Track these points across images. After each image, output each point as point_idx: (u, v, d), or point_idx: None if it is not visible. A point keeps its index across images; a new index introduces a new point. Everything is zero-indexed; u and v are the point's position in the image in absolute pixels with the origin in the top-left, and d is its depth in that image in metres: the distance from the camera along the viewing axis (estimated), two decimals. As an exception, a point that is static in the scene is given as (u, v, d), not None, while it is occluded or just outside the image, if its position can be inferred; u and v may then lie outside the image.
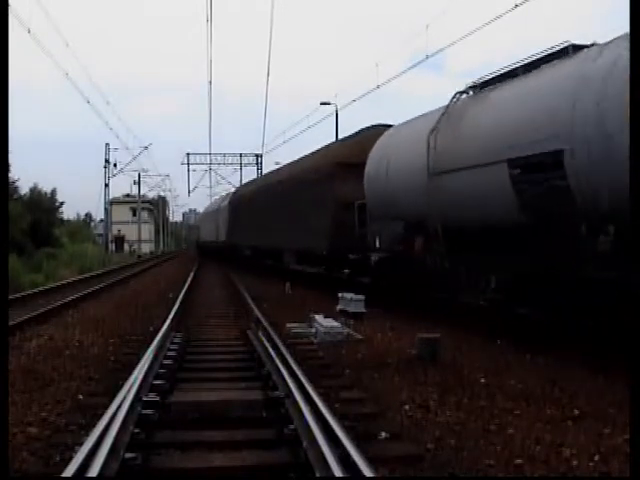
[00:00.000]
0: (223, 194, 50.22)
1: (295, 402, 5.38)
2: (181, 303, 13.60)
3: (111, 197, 56.67)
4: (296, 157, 25.30)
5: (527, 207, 8.54)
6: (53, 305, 14.24)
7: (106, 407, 5.15)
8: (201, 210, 72.79)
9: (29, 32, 19.75)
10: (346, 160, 16.20)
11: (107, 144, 51.20)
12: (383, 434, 5.09)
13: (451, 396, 6.34)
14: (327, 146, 19.96)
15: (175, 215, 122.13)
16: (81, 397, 6.35)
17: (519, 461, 4.55)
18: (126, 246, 71.68)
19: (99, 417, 4.93)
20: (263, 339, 8.71)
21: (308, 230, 18.40)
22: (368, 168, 14.15)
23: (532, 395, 6.35)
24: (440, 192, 10.47)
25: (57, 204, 46.49)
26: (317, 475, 3.97)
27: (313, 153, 21.49)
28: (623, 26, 7.03)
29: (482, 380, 7.01)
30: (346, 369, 7.72)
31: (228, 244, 35.52)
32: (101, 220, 66.60)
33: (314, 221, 17.87)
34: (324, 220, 17.05)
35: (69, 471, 3.78)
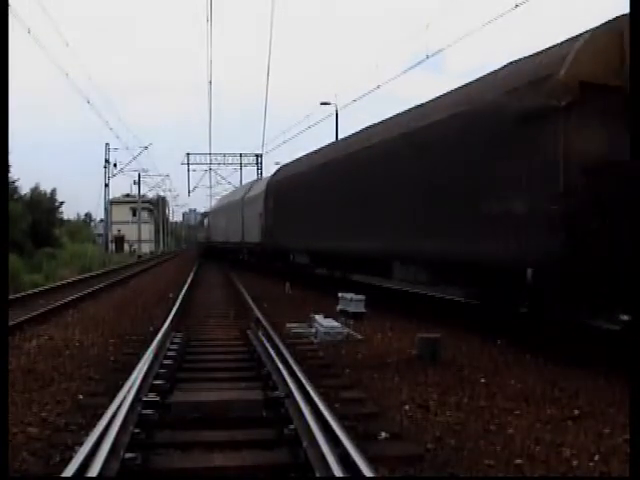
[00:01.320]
0: (238, 184, 45.36)
1: (295, 402, 5.38)
2: (181, 303, 13.61)
3: (111, 197, 56.76)
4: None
5: None
6: (53, 305, 14.23)
7: (106, 407, 5.16)
8: (201, 210, 72.44)
9: (29, 32, 19.82)
10: (597, 79, 7.68)
11: (107, 144, 51.35)
12: (383, 434, 5.08)
13: (451, 396, 6.35)
14: (540, 54, 8.97)
15: (175, 215, 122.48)
16: (81, 397, 6.35)
17: (519, 461, 4.55)
18: (126, 246, 71.71)
19: (99, 417, 4.94)
20: (263, 339, 8.71)
21: (487, 223, 9.08)
22: None
23: (532, 395, 6.35)
24: None
25: (57, 204, 46.54)
26: (317, 475, 3.97)
27: (496, 72, 10.10)
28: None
29: (482, 380, 7.01)
30: (346, 369, 7.71)
31: (266, 247, 24.55)
32: (101, 220, 66.70)
33: (508, 204, 8.67)
34: (541, 202, 8.07)
35: (69, 471, 3.79)
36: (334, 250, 16.30)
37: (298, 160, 22.42)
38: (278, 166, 33.17)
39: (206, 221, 51.44)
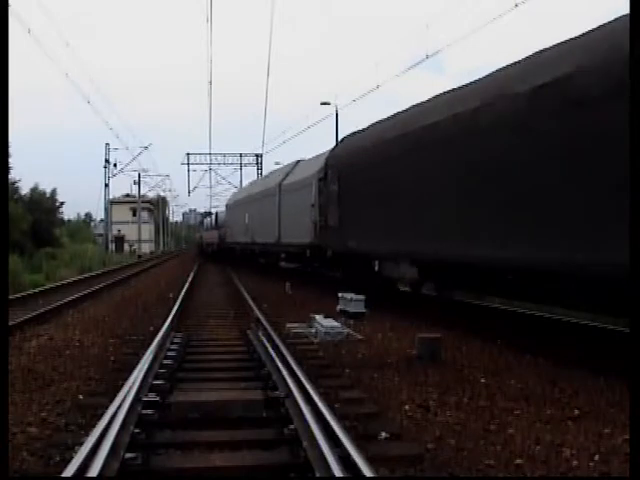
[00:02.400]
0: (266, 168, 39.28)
1: (295, 402, 5.38)
2: (181, 303, 13.61)
3: (111, 197, 56.80)
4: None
5: None
6: (53, 305, 14.23)
7: (106, 407, 5.16)
8: (201, 210, 72.14)
9: (29, 32, 19.84)
10: None
11: (107, 144, 51.43)
12: (383, 434, 5.08)
13: (451, 396, 6.34)
14: None
15: (175, 215, 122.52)
16: (81, 397, 6.35)
17: (519, 461, 4.55)
18: (126, 246, 71.72)
19: (99, 417, 4.94)
20: (263, 339, 8.72)
21: None
22: None
23: (532, 395, 6.35)
24: None
25: (57, 204, 46.62)
26: (317, 475, 3.97)
27: None
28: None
29: (482, 380, 7.00)
30: (346, 369, 7.71)
31: (323, 250, 16.89)
32: (101, 220, 66.81)
33: None
34: None
35: (69, 471, 3.78)
36: (480, 260, 9.31)
37: (379, 123, 14.76)
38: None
39: (207, 221, 50.22)
